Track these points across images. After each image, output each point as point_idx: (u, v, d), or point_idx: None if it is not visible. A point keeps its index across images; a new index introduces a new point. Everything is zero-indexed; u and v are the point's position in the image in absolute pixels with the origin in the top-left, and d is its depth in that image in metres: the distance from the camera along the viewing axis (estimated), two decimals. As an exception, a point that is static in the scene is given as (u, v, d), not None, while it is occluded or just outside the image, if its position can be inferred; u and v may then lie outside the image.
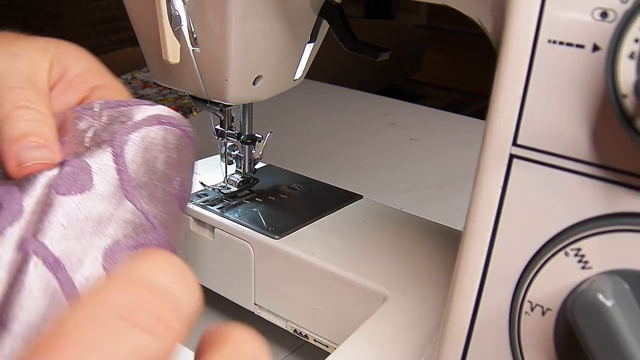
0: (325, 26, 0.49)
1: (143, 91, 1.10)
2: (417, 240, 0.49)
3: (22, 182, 0.32)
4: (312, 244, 0.47)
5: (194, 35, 0.44)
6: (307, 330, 0.47)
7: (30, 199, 0.31)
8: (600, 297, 0.24)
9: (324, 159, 0.85)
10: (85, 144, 0.34)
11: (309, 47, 0.50)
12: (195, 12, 0.43)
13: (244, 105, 0.52)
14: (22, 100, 0.35)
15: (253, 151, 0.54)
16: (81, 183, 0.31)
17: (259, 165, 0.57)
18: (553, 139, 0.27)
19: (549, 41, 0.26)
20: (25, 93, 0.35)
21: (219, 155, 0.55)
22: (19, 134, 0.34)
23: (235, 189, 0.54)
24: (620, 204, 0.26)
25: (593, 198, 0.26)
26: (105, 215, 0.31)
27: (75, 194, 0.31)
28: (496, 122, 0.28)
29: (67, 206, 0.30)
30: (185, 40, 0.44)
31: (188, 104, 1.03)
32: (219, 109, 0.50)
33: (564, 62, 0.26)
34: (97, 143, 0.34)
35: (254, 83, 0.47)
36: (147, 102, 0.37)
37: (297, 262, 0.46)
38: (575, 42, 0.25)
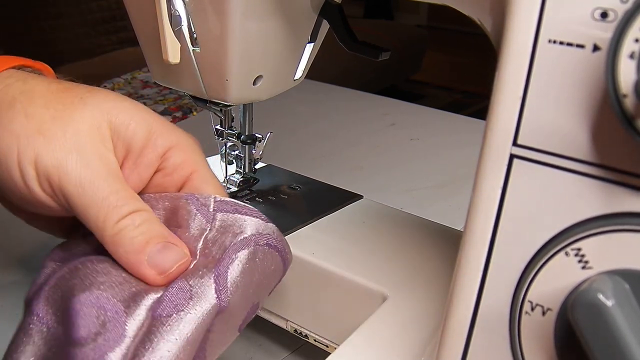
0: (325, 26, 0.49)
1: (143, 91, 1.10)
2: (417, 240, 0.48)
3: (129, 300, 0.31)
4: (312, 244, 0.47)
5: (194, 35, 0.44)
6: (307, 330, 0.47)
7: (134, 323, 0.31)
8: (601, 297, 0.24)
9: (324, 159, 0.85)
10: (196, 253, 0.34)
11: (309, 47, 0.50)
12: (195, 12, 0.43)
13: (244, 105, 0.52)
14: (124, 208, 0.32)
15: (253, 151, 0.54)
16: (180, 309, 0.31)
17: (259, 165, 0.57)
18: (553, 139, 0.27)
19: (549, 41, 0.26)
20: (121, 197, 0.33)
21: (219, 155, 0.55)
22: (140, 242, 0.32)
23: (236, 189, 0.54)
24: (620, 204, 0.26)
25: (593, 198, 0.26)
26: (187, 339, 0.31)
27: (172, 323, 0.31)
28: (496, 122, 0.28)
29: (163, 341, 0.30)
30: (185, 40, 0.44)
31: (188, 104, 1.03)
32: (219, 109, 0.50)
33: (564, 62, 0.26)
34: (206, 257, 0.33)
35: (254, 83, 0.47)
36: (260, 214, 0.36)
37: (297, 262, 0.46)
38: (575, 42, 0.25)
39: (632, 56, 0.22)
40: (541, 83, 0.27)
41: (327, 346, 0.46)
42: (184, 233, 0.34)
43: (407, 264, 0.45)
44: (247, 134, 0.53)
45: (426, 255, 0.46)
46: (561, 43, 0.26)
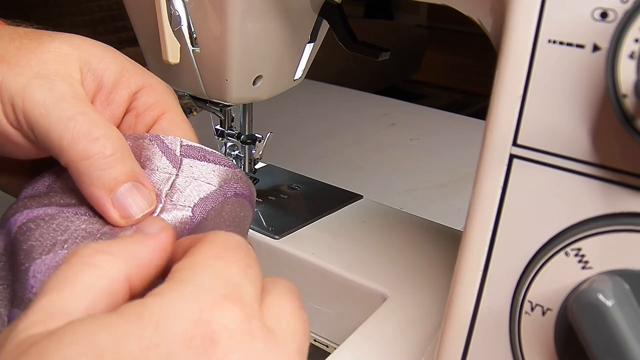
0: (325, 26, 0.49)
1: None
2: (417, 240, 0.49)
3: None
4: (312, 244, 0.47)
5: (194, 35, 0.44)
6: (307, 330, 0.47)
7: None
8: (601, 297, 0.24)
9: (324, 159, 0.85)
10: (161, 198, 0.32)
11: (309, 47, 0.50)
12: (195, 12, 0.43)
13: (244, 105, 0.52)
14: (94, 130, 0.30)
15: (253, 151, 0.54)
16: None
17: (259, 165, 0.57)
18: (553, 139, 0.27)
19: (549, 41, 0.26)
20: (90, 119, 0.30)
21: (219, 155, 0.55)
22: (109, 178, 0.29)
23: (235, 189, 0.54)
24: (620, 204, 0.26)
25: (593, 198, 0.26)
26: None
27: None
28: (496, 122, 0.28)
29: None
30: (185, 40, 0.44)
31: (188, 104, 1.03)
32: (219, 109, 0.50)
33: (564, 62, 0.26)
34: (174, 205, 0.32)
35: (254, 83, 0.47)
36: (227, 160, 0.34)
37: (297, 262, 0.46)
38: (575, 42, 0.25)
39: (632, 56, 0.22)
40: (541, 83, 0.27)
41: (327, 346, 0.46)
42: (149, 174, 0.33)
43: (407, 264, 0.45)
44: (247, 134, 0.53)
45: (426, 255, 0.46)
46: (561, 43, 0.26)
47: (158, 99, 0.34)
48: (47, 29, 0.35)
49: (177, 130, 0.35)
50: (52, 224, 0.30)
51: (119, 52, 0.34)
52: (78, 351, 0.19)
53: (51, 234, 0.29)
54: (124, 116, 0.35)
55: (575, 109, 0.26)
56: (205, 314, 0.21)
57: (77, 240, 0.29)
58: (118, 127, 0.34)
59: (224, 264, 0.23)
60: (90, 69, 0.32)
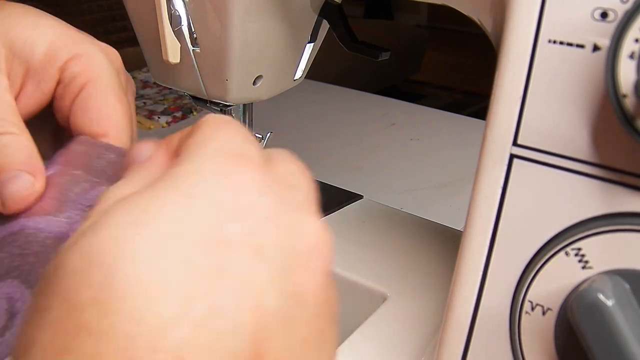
0: (325, 26, 0.49)
1: (143, 91, 1.10)
2: (417, 240, 0.48)
3: (27, 275, 0.28)
4: (312, 244, 0.47)
5: (194, 35, 0.44)
6: (307, 330, 0.47)
7: None
8: (601, 296, 0.24)
9: (324, 159, 0.85)
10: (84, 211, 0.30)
11: (309, 47, 0.50)
12: (195, 12, 0.43)
13: (244, 105, 0.52)
14: None
15: (253, 151, 0.54)
16: None
17: (259, 165, 0.57)
18: (553, 139, 0.27)
19: (549, 41, 0.26)
20: None
21: (219, 155, 0.55)
22: None
23: (235, 189, 0.54)
24: (620, 204, 0.26)
25: (593, 198, 0.26)
26: None
27: None
28: (496, 122, 0.28)
29: None
30: (185, 40, 0.44)
31: (188, 104, 1.03)
32: (219, 109, 0.50)
33: (564, 62, 0.26)
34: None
35: (254, 83, 0.47)
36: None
37: (297, 262, 0.46)
38: (575, 42, 0.25)
39: (632, 56, 0.22)
40: (541, 83, 0.27)
41: (327, 346, 0.46)
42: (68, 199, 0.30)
43: (407, 264, 0.45)
44: (247, 134, 0.53)
45: (426, 255, 0.46)
46: (561, 43, 0.26)
47: (84, 68, 0.33)
48: None
49: (99, 99, 0.33)
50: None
51: (52, 24, 0.33)
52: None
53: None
54: (56, 88, 0.34)
55: (576, 108, 0.26)
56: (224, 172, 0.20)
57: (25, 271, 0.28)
58: (51, 102, 0.34)
59: (225, 134, 0.23)
60: (16, 54, 0.32)
